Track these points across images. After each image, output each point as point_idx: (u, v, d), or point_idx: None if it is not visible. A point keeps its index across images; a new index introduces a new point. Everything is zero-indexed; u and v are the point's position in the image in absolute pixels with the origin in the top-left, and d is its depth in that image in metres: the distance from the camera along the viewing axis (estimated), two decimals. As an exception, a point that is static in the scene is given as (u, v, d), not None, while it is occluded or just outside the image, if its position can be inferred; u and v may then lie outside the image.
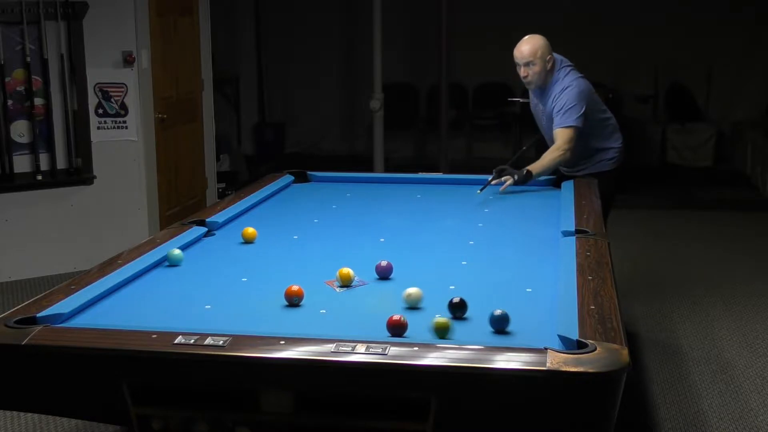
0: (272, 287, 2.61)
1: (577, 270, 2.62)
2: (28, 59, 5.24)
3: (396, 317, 2.19)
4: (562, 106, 4.06)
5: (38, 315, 2.25)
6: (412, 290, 2.43)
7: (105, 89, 5.53)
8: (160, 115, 5.87)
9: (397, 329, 2.17)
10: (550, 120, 4.17)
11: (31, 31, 5.22)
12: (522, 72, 4.14)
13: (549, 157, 4.08)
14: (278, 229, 3.37)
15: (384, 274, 2.70)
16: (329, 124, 10.14)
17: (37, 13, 5.21)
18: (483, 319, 2.29)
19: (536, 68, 4.10)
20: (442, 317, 2.23)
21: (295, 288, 2.43)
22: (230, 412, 2.07)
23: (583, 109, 4.06)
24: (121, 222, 5.66)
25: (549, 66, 4.12)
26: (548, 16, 8.35)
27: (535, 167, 4.05)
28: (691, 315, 4.80)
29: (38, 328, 2.15)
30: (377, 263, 2.71)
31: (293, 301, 2.44)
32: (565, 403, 1.91)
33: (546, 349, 1.95)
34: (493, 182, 4.03)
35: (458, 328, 2.22)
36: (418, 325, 2.24)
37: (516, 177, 4.00)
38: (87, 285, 2.51)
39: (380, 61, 7.51)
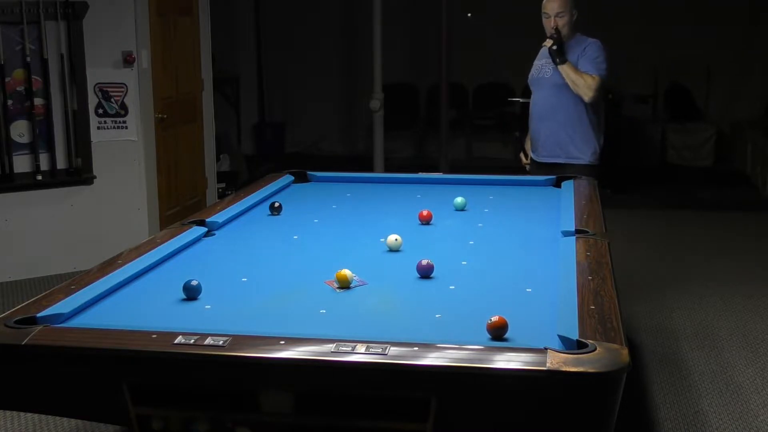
0: (272, 287, 2.61)
1: (577, 270, 2.61)
2: (28, 59, 5.24)
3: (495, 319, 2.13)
4: (594, 58, 4.34)
5: (38, 315, 2.24)
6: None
7: (105, 89, 5.53)
8: (160, 115, 5.86)
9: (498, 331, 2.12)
10: (558, 75, 4.38)
11: (31, 31, 5.22)
12: (552, 23, 4.37)
13: (582, 77, 4.31)
14: (278, 229, 3.38)
15: (425, 272, 2.67)
16: (329, 123, 10.15)
17: (37, 13, 5.21)
18: (483, 319, 2.29)
19: (566, 18, 4.37)
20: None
21: None
22: (230, 412, 2.07)
23: (606, 65, 4.37)
24: (121, 222, 5.66)
25: (574, 18, 4.41)
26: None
27: (570, 65, 4.33)
28: (691, 315, 4.80)
29: (38, 328, 2.15)
30: (418, 261, 2.69)
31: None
32: (565, 403, 1.91)
33: (546, 349, 1.95)
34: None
35: (458, 328, 2.22)
36: (420, 322, 2.24)
37: (555, 47, 4.31)
38: (87, 285, 2.50)
39: (380, 61, 7.51)
